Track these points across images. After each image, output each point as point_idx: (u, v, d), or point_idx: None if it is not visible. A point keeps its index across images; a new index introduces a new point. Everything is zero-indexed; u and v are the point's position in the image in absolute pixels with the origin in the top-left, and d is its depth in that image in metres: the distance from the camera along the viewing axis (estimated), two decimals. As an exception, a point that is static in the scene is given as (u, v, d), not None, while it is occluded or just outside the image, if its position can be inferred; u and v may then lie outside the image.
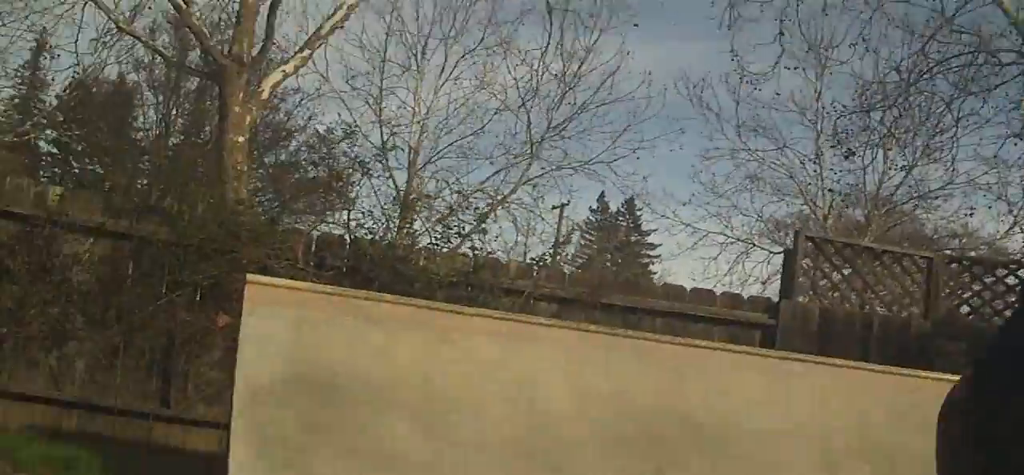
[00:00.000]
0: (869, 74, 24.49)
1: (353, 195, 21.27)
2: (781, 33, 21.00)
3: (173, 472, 9.40)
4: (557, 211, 32.09)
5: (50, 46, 28.85)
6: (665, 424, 8.76)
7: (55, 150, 41.46)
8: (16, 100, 38.75)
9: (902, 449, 8.35)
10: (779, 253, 25.67)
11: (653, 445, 8.65)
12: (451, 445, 8.52)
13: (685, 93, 34.46)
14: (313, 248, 12.60)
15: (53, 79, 37.05)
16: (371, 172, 24.38)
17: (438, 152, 28.37)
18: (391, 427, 8.50)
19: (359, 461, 8.33)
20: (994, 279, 14.22)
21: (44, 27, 26.36)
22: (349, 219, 15.10)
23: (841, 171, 28.43)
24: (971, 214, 28.61)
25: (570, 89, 27.98)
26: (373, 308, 9.03)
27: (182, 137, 35.63)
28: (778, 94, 28.53)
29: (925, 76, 21.23)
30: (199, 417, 11.89)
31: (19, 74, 35.49)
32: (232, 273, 11.61)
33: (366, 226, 13.45)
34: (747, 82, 25.97)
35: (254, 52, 19.01)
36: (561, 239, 30.07)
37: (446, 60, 28.94)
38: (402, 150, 27.67)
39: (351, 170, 22.44)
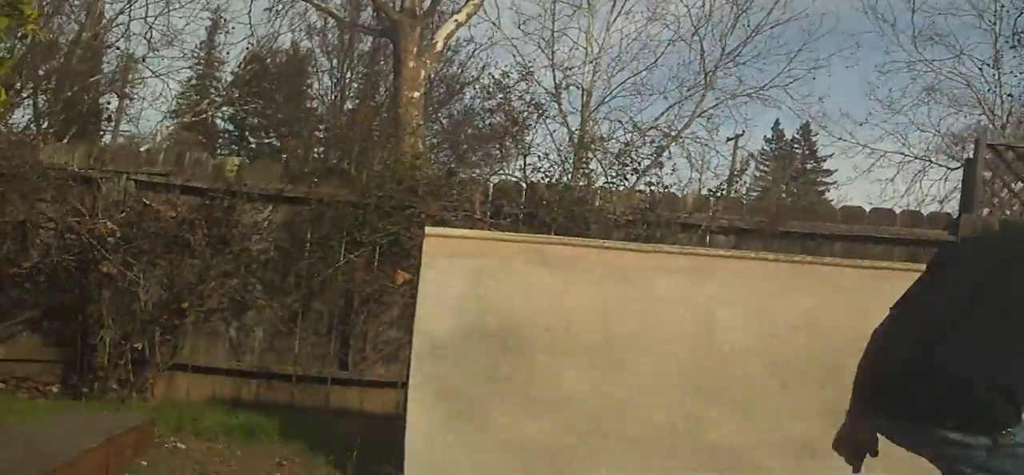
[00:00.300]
0: (1049, -36, 23.80)
1: (528, 140, 21.28)
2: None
3: (351, 433, 9.49)
4: (731, 143, 31.80)
5: (224, 22, 29.62)
6: (847, 351, 8.55)
7: (231, 126, 42.29)
8: (193, 81, 39.57)
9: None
10: (957, 168, 25.13)
11: (835, 373, 8.50)
12: (629, 384, 8.51)
13: (860, 5, 34.02)
14: (490, 197, 12.56)
15: (228, 54, 37.70)
16: (546, 113, 24.33)
17: (611, 91, 28.14)
18: (569, 370, 8.51)
19: (537, 407, 8.36)
20: None
21: (218, 5, 27.09)
22: (525, 165, 15.11)
23: (1021, 74, 27.62)
24: None
25: (743, 11, 27.46)
26: (550, 252, 9.03)
27: (358, 101, 35.91)
28: (955, -5, 27.95)
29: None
30: (376, 377, 12.04)
31: (195, 55, 36.20)
32: (410, 229, 11.75)
33: (542, 169, 13.45)
34: (922, -15, 25.51)
35: (425, 4, 19.22)
36: (736, 171, 29.64)
37: (618, -7, 28.71)
38: (577, 89, 27.60)
39: (527, 114, 22.45)
